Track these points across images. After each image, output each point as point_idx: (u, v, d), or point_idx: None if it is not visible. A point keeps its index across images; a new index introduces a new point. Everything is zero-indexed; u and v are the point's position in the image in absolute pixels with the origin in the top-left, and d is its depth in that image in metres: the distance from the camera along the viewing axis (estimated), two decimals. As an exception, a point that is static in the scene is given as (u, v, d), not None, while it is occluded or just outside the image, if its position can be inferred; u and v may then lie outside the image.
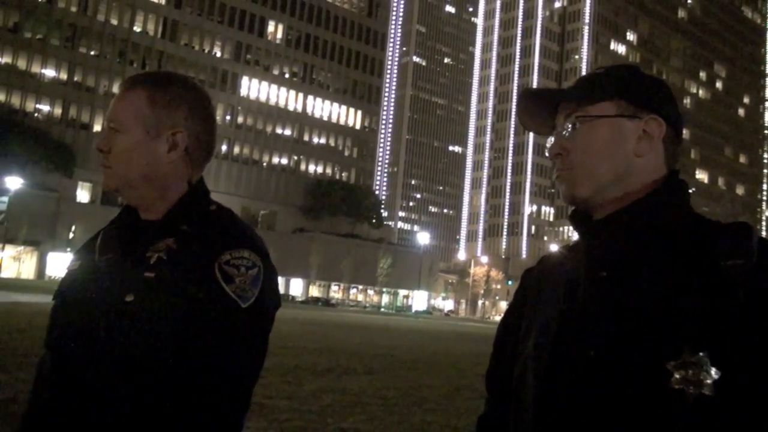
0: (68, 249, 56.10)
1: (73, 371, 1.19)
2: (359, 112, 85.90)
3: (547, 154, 1.18)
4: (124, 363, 1.14)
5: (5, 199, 41.03)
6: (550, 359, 1.04)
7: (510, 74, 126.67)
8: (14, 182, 40.61)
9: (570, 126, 1.11)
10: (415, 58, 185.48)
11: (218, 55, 75.22)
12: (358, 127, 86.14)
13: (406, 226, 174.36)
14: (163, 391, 1.12)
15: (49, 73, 64.93)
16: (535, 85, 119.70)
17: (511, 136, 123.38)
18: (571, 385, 0.99)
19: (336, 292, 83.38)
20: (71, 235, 56.83)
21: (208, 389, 1.13)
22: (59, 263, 57.12)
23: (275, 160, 79.37)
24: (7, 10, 62.06)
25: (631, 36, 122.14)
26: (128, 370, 1.14)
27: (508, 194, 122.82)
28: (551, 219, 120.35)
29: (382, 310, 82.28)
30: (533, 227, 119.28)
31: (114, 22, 68.22)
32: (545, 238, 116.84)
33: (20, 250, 55.41)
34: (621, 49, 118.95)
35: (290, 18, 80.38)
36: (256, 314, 1.19)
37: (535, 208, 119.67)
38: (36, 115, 63.67)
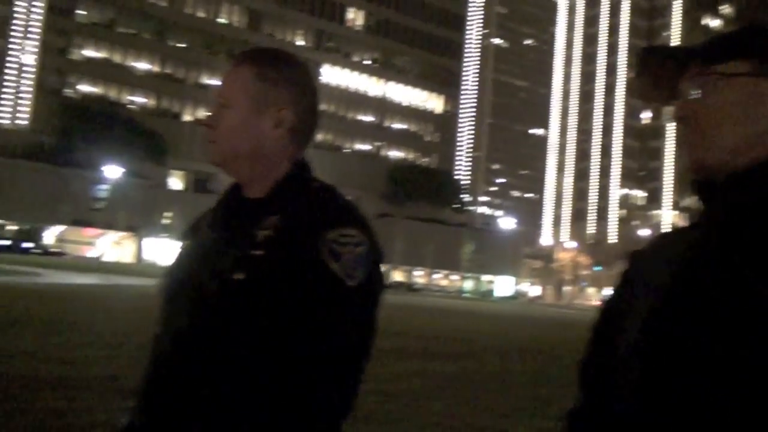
0: (163, 234, 58.72)
1: (185, 348, 1.19)
2: (439, 97, 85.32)
3: (660, 121, 1.00)
4: (235, 341, 1.14)
5: (106, 187, 43.28)
6: (642, 363, 0.91)
7: (595, 54, 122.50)
8: (114, 171, 42.74)
9: (698, 86, 1.00)
10: (496, 40, 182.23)
11: (300, 43, 76.40)
12: (438, 111, 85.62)
13: (489, 211, 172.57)
14: (272, 371, 1.12)
15: (142, 66, 67.91)
16: (623, 64, 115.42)
17: (597, 117, 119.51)
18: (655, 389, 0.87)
19: (419, 276, 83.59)
20: (165, 221, 59.40)
21: (318, 371, 1.11)
22: (155, 248, 59.92)
23: (356, 146, 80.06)
24: (102, 6, 65.25)
25: (726, 9, 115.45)
26: (238, 349, 1.14)
27: (595, 177, 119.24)
28: (642, 203, 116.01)
29: (465, 295, 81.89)
30: (622, 211, 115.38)
31: (201, 15, 70.46)
32: (635, 222, 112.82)
33: (120, 235, 58.33)
34: (714, 23, 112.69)
35: (369, 4, 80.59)
36: (364, 293, 1.16)
37: (624, 191, 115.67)
38: (131, 106, 66.82)
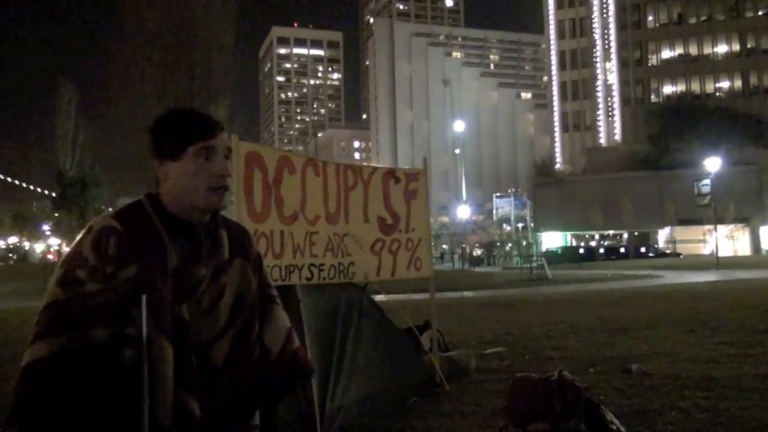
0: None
1: None
2: None
3: None
4: None
5: (708, 181, 42.42)
6: None
7: None
8: (713, 163, 41.73)
9: None
10: None
11: None
12: None
13: None
14: None
15: (720, 49, 64.81)
16: None
17: None
18: None
19: None
20: (779, 205, 54.30)
21: None
22: (772, 236, 55.48)
23: None
24: (670, 6, 65.40)
25: None
26: None
27: None
28: None
29: None
30: None
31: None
32: None
33: (731, 228, 56.06)
34: None
35: None
36: None
37: None
38: (717, 94, 64.39)
